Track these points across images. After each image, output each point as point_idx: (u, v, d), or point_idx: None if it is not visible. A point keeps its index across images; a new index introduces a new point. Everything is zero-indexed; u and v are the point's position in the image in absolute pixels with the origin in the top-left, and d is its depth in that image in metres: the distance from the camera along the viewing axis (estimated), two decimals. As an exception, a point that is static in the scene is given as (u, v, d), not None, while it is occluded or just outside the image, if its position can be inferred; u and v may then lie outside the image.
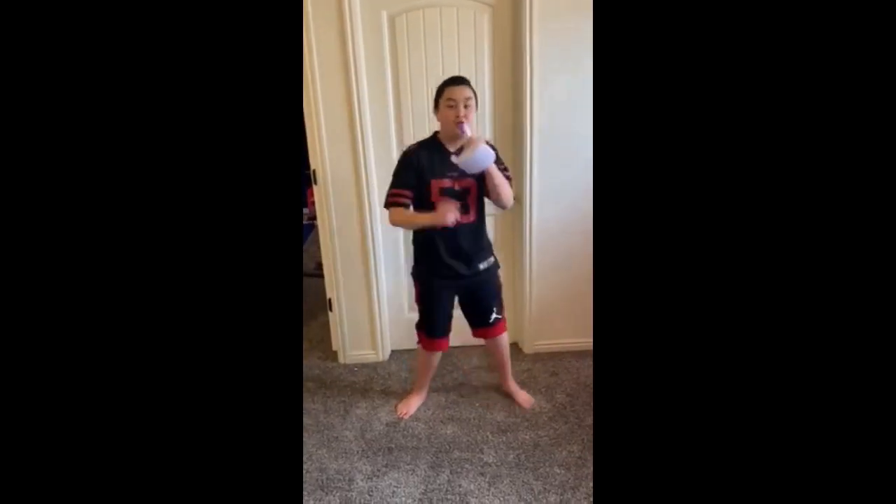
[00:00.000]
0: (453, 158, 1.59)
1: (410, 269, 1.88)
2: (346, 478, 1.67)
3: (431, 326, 1.87)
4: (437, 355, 1.97)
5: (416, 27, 1.98)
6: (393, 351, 2.41)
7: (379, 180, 2.12)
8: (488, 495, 1.58)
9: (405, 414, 1.98)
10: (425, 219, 1.67)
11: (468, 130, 1.58)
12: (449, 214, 1.59)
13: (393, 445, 1.81)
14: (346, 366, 2.33)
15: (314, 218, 2.17)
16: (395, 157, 2.12)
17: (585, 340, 2.34)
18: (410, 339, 2.39)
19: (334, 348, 2.36)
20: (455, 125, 1.60)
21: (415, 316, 2.34)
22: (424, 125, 2.08)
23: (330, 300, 2.27)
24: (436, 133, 1.72)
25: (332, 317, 2.30)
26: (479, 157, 1.52)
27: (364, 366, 2.33)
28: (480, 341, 1.98)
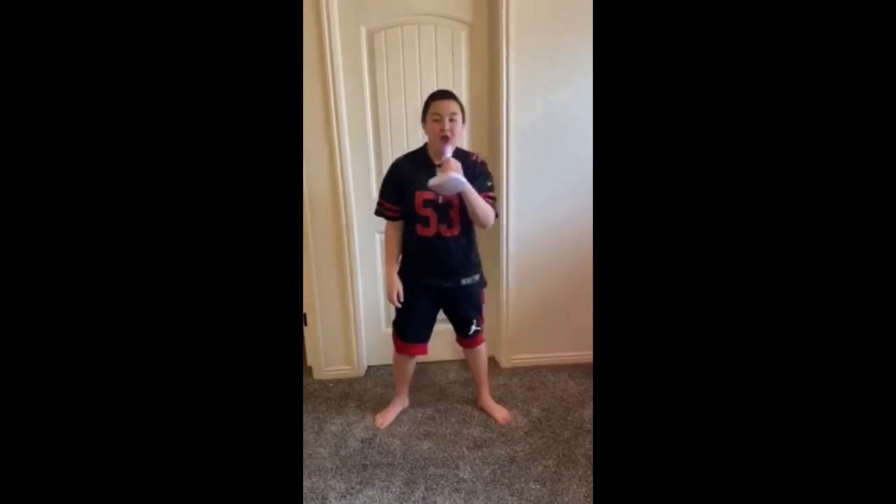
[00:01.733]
0: (430, 182, 1.59)
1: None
2: (320, 496, 1.63)
3: (404, 330, 1.88)
4: (411, 361, 1.97)
5: (395, 43, 2.00)
6: (369, 367, 2.39)
7: (356, 196, 2.12)
8: (464, 512, 1.56)
9: (381, 424, 1.96)
10: (387, 274, 1.82)
11: (448, 152, 1.60)
12: (393, 295, 1.80)
13: (367, 462, 1.78)
14: (321, 381, 2.30)
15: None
16: (373, 172, 2.14)
17: (562, 355, 2.36)
18: (387, 355, 2.36)
19: (309, 364, 2.33)
20: (439, 140, 1.62)
21: (392, 332, 2.34)
22: (402, 141, 2.10)
23: (305, 315, 2.24)
24: (425, 144, 1.74)
25: (308, 332, 2.27)
26: (448, 184, 1.56)
27: (339, 381, 2.30)
28: (457, 356, 1.98)
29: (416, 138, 2.08)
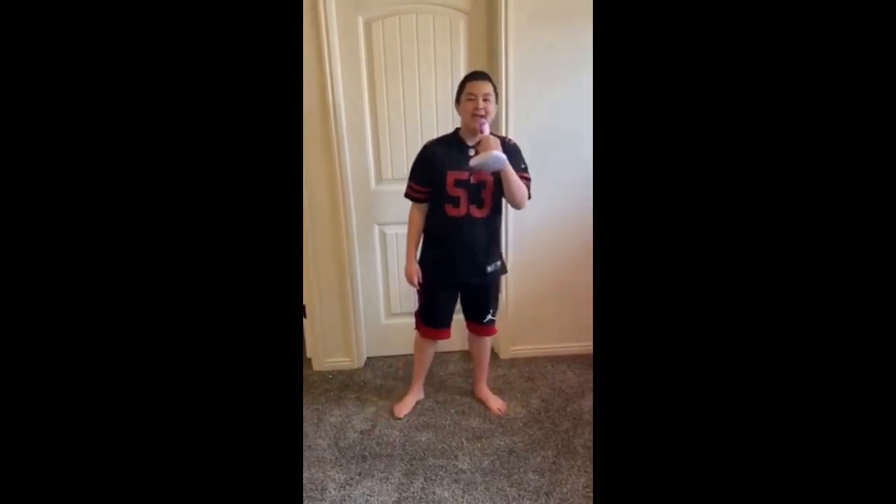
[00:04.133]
0: (471, 161, 1.60)
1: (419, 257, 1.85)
2: (319, 487, 1.64)
3: (431, 316, 1.87)
4: (433, 347, 1.97)
5: (393, 33, 1.98)
6: (368, 358, 2.39)
7: (354, 186, 2.11)
8: (462, 503, 1.57)
9: (400, 413, 1.97)
10: (407, 254, 1.81)
11: (486, 129, 1.61)
12: (413, 277, 1.79)
13: (367, 453, 1.79)
14: (320, 373, 2.30)
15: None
16: (371, 162, 2.13)
17: (561, 346, 2.36)
18: (386, 347, 2.39)
19: (308, 355, 2.33)
20: (473, 118, 1.62)
21: (391, 323, 2.35)
22: (400, 130, 2.08)
23: (305, 307, 2.24)
24: (457, 128, 1.74)
25: (307, 323, 2.27)
26: (490, 161, 1.56)
27: (339, 373, 2.30)
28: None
29: (415, 127, 2.07)
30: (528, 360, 2.34)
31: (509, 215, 2.14)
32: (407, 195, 1.79)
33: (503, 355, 2.37)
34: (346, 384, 2.22)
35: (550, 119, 2.04)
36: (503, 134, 1.98)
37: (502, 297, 2.26)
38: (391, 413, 1.99)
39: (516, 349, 2.36)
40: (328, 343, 2.29)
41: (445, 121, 2.08)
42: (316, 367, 2.32)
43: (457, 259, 1.75)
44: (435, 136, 1.79)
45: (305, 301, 2.23)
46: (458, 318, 1.94)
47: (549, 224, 2.18)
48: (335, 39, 1.92)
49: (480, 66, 2.05)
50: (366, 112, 2.06)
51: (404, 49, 2.00)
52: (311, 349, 2.31)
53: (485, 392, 2.05)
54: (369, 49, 2.00)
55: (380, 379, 2.24)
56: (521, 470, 1.69)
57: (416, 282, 1.81)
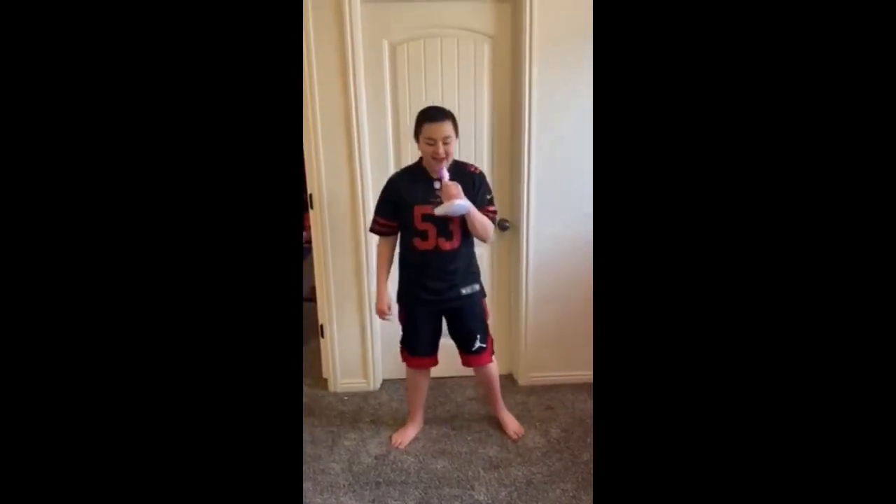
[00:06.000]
0: (436, 210, 1.62)
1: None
2: (331, 513, 1.60)
3: (411, 344, 1.87)
4: (424, 375, 1.93)
5: (417, 56, 2.00)
6: (384, 380, 2.36)
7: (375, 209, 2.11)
8: (478, 535, 1.51)
9: (400, 444, 1.92)
10: (378, 287, 1.83)
11: (445, 175, 1.62)
12: (383, 307, 1.80)
13: (381, 479, 1.74)
14: (335, 394, 2.28)
15: (309, 242, 2.15)
16: (393, 183, 2.13)
17: (581, 373, 2.30)
18: (402, 369, 2.32)
19: (324, 376, 2.31)
20: (433, 160, 1.64)
21: (408, 345, 2.32)
22: (422, 153, 2.08)
23: (322, 326, 2.23)
24: (420, 159, 1.73)
25: (324, 343, 2.25)
26: (454, 209, 1.60)
27: (354, 395, 2.27)
28: (472, 371, 1.94)
29: (437, 151, 2.07)
30: (548, 388, 2.28)
31: (531, 238, 2.11)
32: (372, 230, 1.81)
33: (522, 382, 2.31)
34: (362, 406, 2.18)
35: (572, 144, 2.03)
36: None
37: (521, 322, 2.23)
38: (390, 440, 1.94)
39: (535, 376, 2.31)
40: (344, 364, 2.27)
41: (467, 144, 2.08)
42: (332, 388, 2.30)
43: (429, 282, 1.75)
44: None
45: (323, 321, 2.21)
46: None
47: (569, 249, 2.14)
48: (360, 63, 1.94)
49: (504, 90, 2.05)
50: (389, 135, 2.08)
51: (429, 73, 2.02)
52: (327, 370, 2.29)
53: (502, 413, 2.00)
54: (394, 72, 2.02)
55: (395, 402, 2.21)
56: (540, 503, 1.63)
57: (388, 313, 1.82)
